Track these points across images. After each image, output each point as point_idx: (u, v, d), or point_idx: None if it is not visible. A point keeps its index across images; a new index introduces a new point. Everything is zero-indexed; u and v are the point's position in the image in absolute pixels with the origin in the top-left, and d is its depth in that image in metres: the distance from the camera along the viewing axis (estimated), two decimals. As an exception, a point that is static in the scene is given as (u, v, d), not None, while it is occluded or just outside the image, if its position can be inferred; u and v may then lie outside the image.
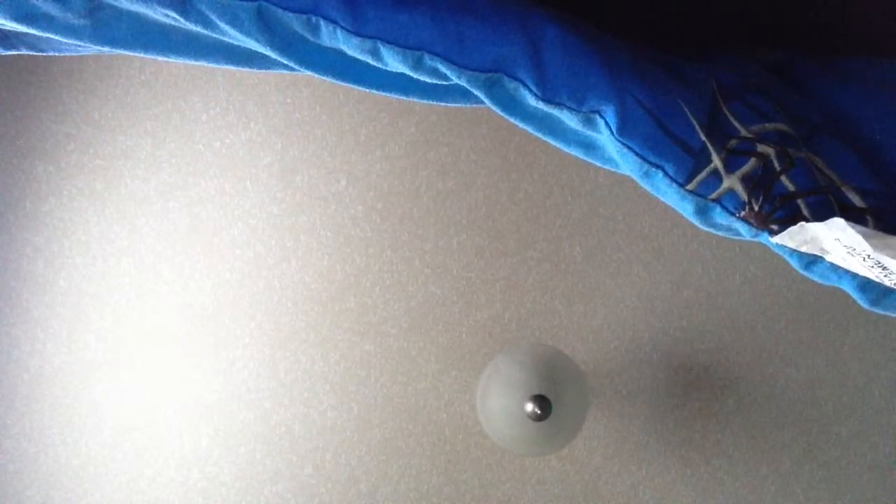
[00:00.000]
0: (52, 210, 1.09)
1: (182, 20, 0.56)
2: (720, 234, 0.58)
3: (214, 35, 0.58)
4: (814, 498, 1.07)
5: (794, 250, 0.55)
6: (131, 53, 0.63)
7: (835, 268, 0.56)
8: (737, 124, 0.56)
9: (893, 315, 0.58)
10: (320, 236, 1.09)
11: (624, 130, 0.54)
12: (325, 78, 0.62)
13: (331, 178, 1.08)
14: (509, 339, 1.09)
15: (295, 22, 0.55)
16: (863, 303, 0.57)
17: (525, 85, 0.55)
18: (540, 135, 0.62)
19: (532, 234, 1.08)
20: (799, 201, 0.53)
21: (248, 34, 0.56)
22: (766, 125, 0.56)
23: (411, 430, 1.09)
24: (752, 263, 1.07)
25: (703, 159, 0.54)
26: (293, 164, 1.08)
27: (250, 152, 1.08)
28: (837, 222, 0.47)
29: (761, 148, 0.54)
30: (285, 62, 0.60)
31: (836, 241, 0.50)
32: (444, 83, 0.58)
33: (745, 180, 0.54)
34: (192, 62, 0.65)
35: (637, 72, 0.55)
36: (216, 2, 0.54)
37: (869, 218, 0.53)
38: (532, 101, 0.56)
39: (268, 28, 0.56)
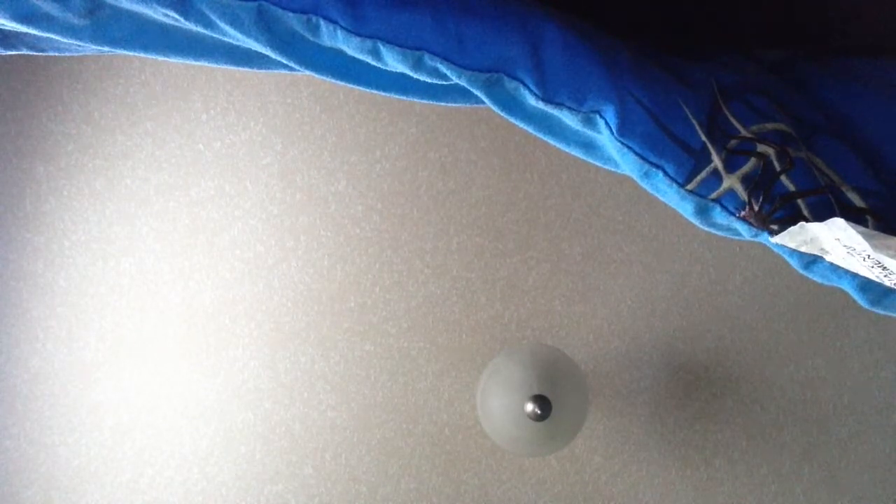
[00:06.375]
0: (52, 210, 1.09)
1: (182, 20, 0.56)
2: (720, 234, 0.58)
3: (214, 35, 0.58)
4: (814, 498, 1.07)
5: (794, 250, 0.55)
6: (131, 53, 0.63)
7: (835, 268, 0.56)
8: (737, 124, 0.56)
9: (893, 315, 0.58)
10: (320, 236, 1.09)
11: (624, 130, 0.54)
12: (325, 78, 0.62)
13: (331, 178, 1.08)
14: (509, 339, 1.09)
15: (295, 22, 0.55)
16: (863, 303, 0.57)
17: (525, 85, 0.55)
18: (540, 135, 0.62)
19: (532, 234, 1.08)
20: (799, 201, 0.53)
21: (248, 34, 0.56)
22: (766, 125, 0.56)
23: (411, 430, 1.09)
24: (752, 263, 1.07)
25: (703, 159, 0.54)
26: (293, 164, 1.08)
27: (250, 152, 1.08)
28: (837, 222, 0.47)
29: (761, 148, 0.54)
30: (285, 62, 0.60)
31: (836, 241, 0.50)
32: (444, 83, 0.58)
33: (745, 180, 0.54)
34: (192, 62, 0.64)
35: (637, 72, 0.55)
36: (216, 2, 0.54)
37: (869, 218, 0.53)
38: (532, 101, 0.56)
39: (268, 28, 0.56)
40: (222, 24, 0.55)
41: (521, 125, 0.61)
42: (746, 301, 1.07)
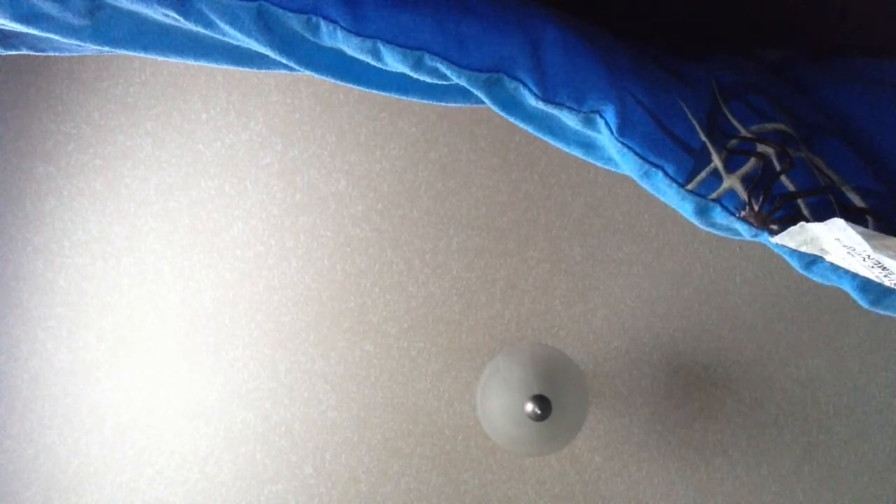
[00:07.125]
0: (52, 210, 1.09)
1: (182, 20, 0.56)
2: (720, 234, 0.58)
3: (214, 35, 0.58)
4: (814, 498, 1.07)
5: (794, 250, 0.55)
6: (131, 53, 0.63)
7: (835, 268, 0.56)
8: (737, 124, 0.56)
9: (893, 315, 0.58)
10: (320, 236, 1.09)
11: (624, 130, 0.54)
12: (325, 78, 0.62)
13: (331, 178, 1.08)
14: (509, 339, 1.09)
15: (295, 22, 0.55)
16: (863, 303, 0.57)
17: (525, 85, 0.55)
18: (540, 135, 0.62)
19: (532, 234, 1.08)
20: (799, 201, 0.53)
21: (248, 34, 0.56)
22: (766, 125, 0.56)
23: (411, 430, 1.09)
24: (752, 263, 1.07)
25: (703, 159, 0.54)
26: (293, 164, 1.08)
27: (250, 152, 1.08)
28: (837, 222, 0.47)
29: (761, 148, 0.54)
30: (285, 62, 0.60)
31: (836, 241, 0.50)
32: (444, 83, 0.58)
33: (746, 180, 0.54)
34: (192, 62, 0.64)
35: (637, 72, 0.55)
36: (216, 2, 0.54)
37: (869, 218, 0.53)
38: (532, 101, 0.56)
39: (268, 28, 0.56)
40: (222, 24, 0.55)
41: (521, 125, 0.61)
42: (746, 301, 1.07)
